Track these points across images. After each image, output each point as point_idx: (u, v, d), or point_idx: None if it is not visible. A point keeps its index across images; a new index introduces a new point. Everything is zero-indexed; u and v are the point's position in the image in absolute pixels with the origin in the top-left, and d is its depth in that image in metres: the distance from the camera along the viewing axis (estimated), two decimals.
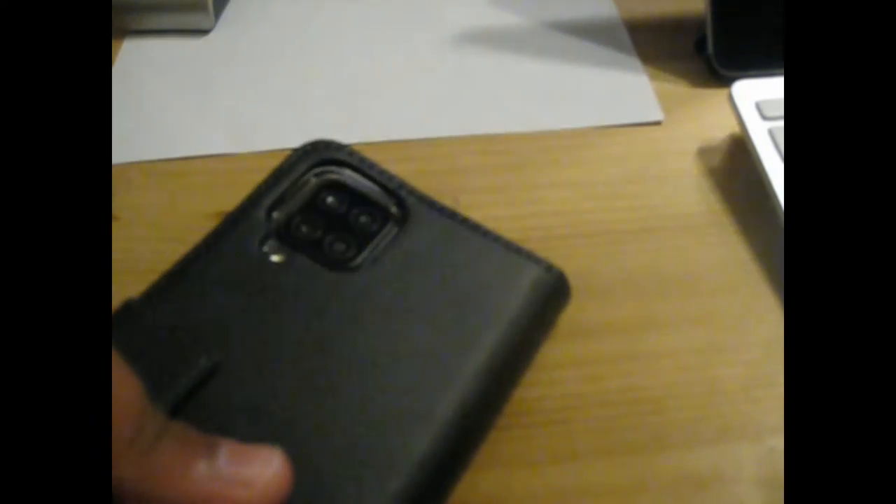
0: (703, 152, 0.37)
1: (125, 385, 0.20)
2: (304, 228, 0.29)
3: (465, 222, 0.29)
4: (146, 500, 0.19)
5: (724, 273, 0.32)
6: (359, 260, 0.28)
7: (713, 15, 0.40)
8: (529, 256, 0.29)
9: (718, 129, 0.38)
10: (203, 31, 0.45)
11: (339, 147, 0.31)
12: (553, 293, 0.29)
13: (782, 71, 0.38)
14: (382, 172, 0.31)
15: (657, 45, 0.44)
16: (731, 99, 0.36)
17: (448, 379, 0.25)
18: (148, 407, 0.20)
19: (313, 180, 0.30)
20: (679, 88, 0.41)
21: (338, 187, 0.30)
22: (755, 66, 0.39)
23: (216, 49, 0.44)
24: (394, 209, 0.30)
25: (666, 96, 0.40)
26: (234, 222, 0.29)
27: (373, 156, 0.37)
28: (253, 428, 0.24)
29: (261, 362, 0.25)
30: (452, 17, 0.46)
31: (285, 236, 0.29)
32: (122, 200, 0.35)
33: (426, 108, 0.40)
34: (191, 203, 0.35)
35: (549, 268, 0.29)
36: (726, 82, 0.37)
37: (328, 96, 0.41)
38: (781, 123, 0.34)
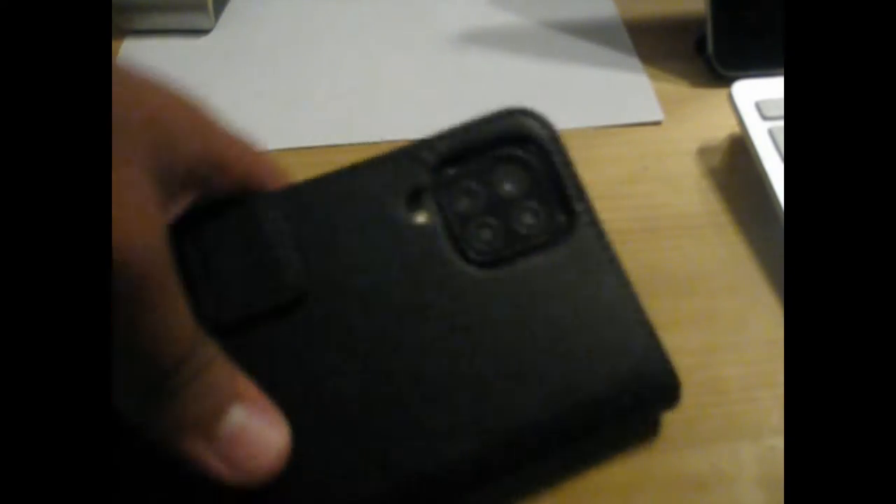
0: (703, 152, 0.37)
1: (176, 312, 0.20)
2: (464, 199, 0.26)
3: (620, 274, 0.26)
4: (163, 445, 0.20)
5: (724, 273, 0.32)
6: (495, 257, 0.26)
7: (713, 15, 0.40)
8: (661, 353, 0.25)
9: (718, 129, 0.38)
10: (203, 31, 0.45)
11: (543, 125, 0.28)
12: (660, 401, 0.26)
13: (782, 71, 0.38)
14: (574, 176, 0.27)
15: (657, 45, 0.44)
16: (731, 99, 0.36)
17: (500, 439, 0.24)
18: (196, 339, 0.20)
19: (499, 150, 0.27)
20: (679, 88, 0.41)
21: (521, 169, 0.27)
22: (755, 66, 0.39)
23: (216, 49, 0.44)
24: (562, 218, 0.26)
25: (666, 96, 0.40)
26: (401, 156, 0.26)
27: (373, 155, 0.37)
28: (292, 387, 0.23)
29: (339, 324, 0.24)
30: (453, 17, 0.46)
31: (443, 195, 0.26)
32: None
33: (426, 108, 0.40)
34: None
35: (670, 372, 0.25)
36: (726, 82, 0.37)
37: (328, 96, 0.41)
38: (781, 123, 0.34)
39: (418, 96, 0.41)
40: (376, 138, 0.38)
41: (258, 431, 0.21)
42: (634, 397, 0.25)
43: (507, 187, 0.27)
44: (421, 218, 0.26)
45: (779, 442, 0.27)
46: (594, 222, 0.27)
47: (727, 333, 0.30)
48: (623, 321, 0.25)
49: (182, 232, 0.23)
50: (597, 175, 0.36)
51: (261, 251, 0.24)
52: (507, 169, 0.27)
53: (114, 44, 0.44)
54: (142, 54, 0.44)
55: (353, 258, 0.25)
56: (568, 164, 0.27)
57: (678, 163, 0.37)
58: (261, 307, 0.23)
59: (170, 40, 0.45)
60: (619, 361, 0.25)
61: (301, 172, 0.37)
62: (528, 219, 0.26)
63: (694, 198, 0.35)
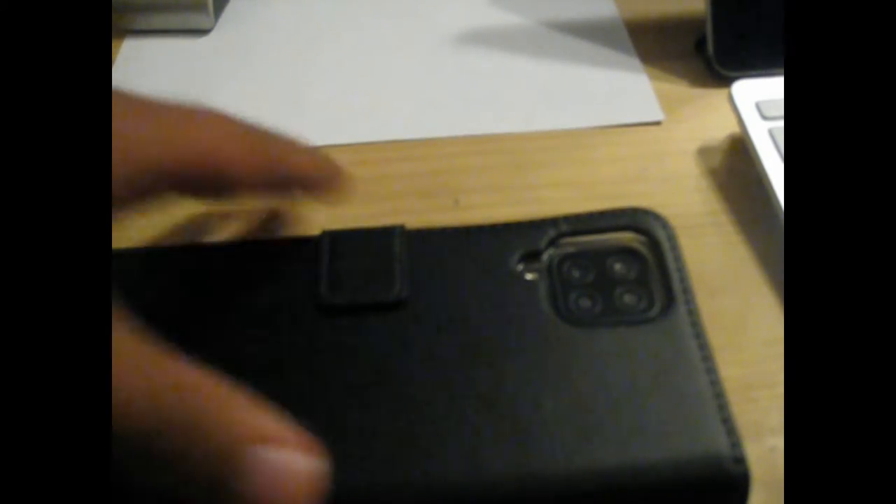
0: (703, 152, 0.37)
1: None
2: (574, 270, 0.29)
3: (710, 366, 0.26)
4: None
5: (724, 273, 0.32)
6: (588, 320, 0.27)
7: (713, 15, 0.40)
8: (735, 450, 0.24)
9: (718, 129, 0.38)
10: (203, 31, 0.45)
11: (664, 225, 0.30)
12: (723, 497, 0.24)
13: (782, 71, 0.38)
14: (682, 272, 0.29)
15: (657, 45, 0.44)
16: (731, 99, 0.36)
17: (540, 482, 0.23)
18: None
19: (617, 239, 0.30)
20: (679, 88, 0.41)
21: (634, 258, 0.29)
22: (755, 66, 0.39)
23: (216, 49, 0.44)
24: (661, 306, 0.28)
25: (666, 96, 0.40)
26: (526, 224, 0.30)
27: (373, 156, 0.37)
28: (365, 370, 0.25)
29: (425, 333, 0.26)
30: (453, 17, 0.46)
31: (555, 263, 0.29)
32: None
33: (426, 108, 0.40)
34: (191, 203, 0.35)
35: (741, 472, 0.24)
36: (726, 82, 0.37)
37: (328, 96, 0.41)
38: (781, 123, 0.34)
39: (418, 96, 0.41)
40: (376, 138, 0.38)
41: (284, 467, 0.20)
42: (694, 485, 0.24)
43: (617, 269, 0.29)
44: (529, 275, 0.28)
45: (779, 442, 0.27)
46: (692, 312, 0.27)
47: (727, 333, 0.30)
48: (701, 409, 0.25)
49: (333, 233, 0.29)
50: (597, 175, 0.37)
51: (382, 262, 0.28)
52: (621, 255, 0.29)
53: (114, 44, 0.44)
54: (142, 54, 0.44)
55: (456, 288, 0.28)
56: (679, 261, 0.29)
57: (678, 163, 0.37)
58: (366, 300, 0.27)
59: (170, 40, 0.45)
60: (686, 446, 0.24)
61: None
62: (629, 298, 0.28)
63: (694, 198, 0.35)
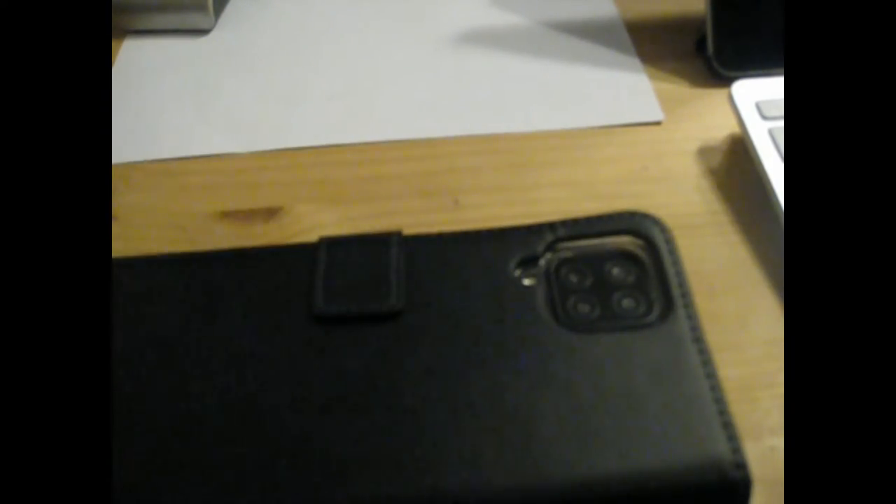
0: (703, 152, 0.37)
1: None
2: (572, 275, 0.28)
3: (710, 369, 0.26)
4: None
5: (724, 273, 0.32)
6: (586, 326, 0.27)
7: (713, 15, 0.40)
8: (736, 454, 0.24)
9: (718, 129, 0.38)
10: (203, 31, 0.45)
11: (662, 229, 0.30)
12: (724, 501, 0.24)
13: (782, 71, 0.38)
14: (681, 276, 0.29)
15: (657, 45, 0.44)
16: (731, 99, 0.36)
17: (538, 492, 0.23)
18: None
19: (615, 243, 0.29)
20: (679, 88, 0.41)
21: (631, 262, 0.29)
22: (755, 66, 0.39)
23: (216, 49, 0.44)
24: (660, 310, 0.28)
25: (666, 96, 0.40)
26: (523, 229, 0.30)
27: (373, 156, 0.37)
28: (358, 379, 0.25)
29: (421, 343, 0.26)
30: (452, 17, 0.46)
31: (554, 268, 0.29)
32: (122, 200, 0.35)
33: (426, 108, 0.40)
34: (191, 203, 0.35)
35: (743, 476, 0.23)
36: (726, 82, 0.37)
37: (328, 96, 0.41)
38: (781, 123, 0.34)
39: (418, 96, 0.41)
40: (376, 138, 0.38)
41: None
42: (694, 491, 0.23)
43: (615, 273, 0.29)
44: (527, 281, 0.28)
45: (779, 442, 0.27)
46: (691, 317, 0.27)
47: (727, 333, 0.30)
48: (701, 414, 0.25)
49: (330, 241, 0.29)
50: (597, 175, 0.37)
51: (378, 272, 0.28)
52: (619, 259, 0.29)
53: (114, 44, 0.44)
54: (142, 54, 0.44)
55: (453, 296, 0.28)
56: (677, 265, 0.29)
57: (678, 163, 0.37)
58: (361, 311, 0.27)
59: (170, 40, 0.45)
60: (687, 452, 0.24)
61: (301, 172, 0.37)
62: (627, 303, 0.28)
63: (694, 198, 0.35)
